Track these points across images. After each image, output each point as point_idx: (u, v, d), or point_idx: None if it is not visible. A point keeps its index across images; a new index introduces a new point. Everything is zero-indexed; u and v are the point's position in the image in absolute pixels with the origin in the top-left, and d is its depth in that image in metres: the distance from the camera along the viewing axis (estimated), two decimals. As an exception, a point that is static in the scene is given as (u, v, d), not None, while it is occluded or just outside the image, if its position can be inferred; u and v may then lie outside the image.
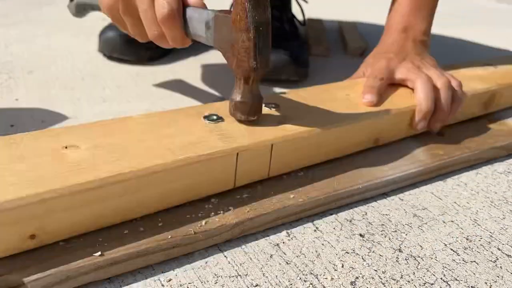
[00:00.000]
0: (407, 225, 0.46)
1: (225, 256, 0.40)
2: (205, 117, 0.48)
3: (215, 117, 0.48)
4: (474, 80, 0.68)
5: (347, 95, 0.58)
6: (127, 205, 0.38)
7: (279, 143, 0.46)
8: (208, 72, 0.84)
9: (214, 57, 0.92)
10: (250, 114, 0.47)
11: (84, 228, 0.37)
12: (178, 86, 0.77)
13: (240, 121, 0.47)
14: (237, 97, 0.46)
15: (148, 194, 0.39)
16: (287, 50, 0.79)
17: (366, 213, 0.47)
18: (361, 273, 0.39)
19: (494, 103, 0.69)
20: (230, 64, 0.45)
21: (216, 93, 0.74)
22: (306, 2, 0.99)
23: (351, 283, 0.38)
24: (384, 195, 0.50)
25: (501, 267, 0.41)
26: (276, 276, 0.38)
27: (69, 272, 0.34)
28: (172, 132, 0.45)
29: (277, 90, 0.76)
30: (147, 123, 0.46)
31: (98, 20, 1.15)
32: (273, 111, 0.51)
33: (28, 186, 0.34)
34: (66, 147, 0.40)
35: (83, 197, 0.36)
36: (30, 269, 0.33)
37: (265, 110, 0.51)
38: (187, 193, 0.42)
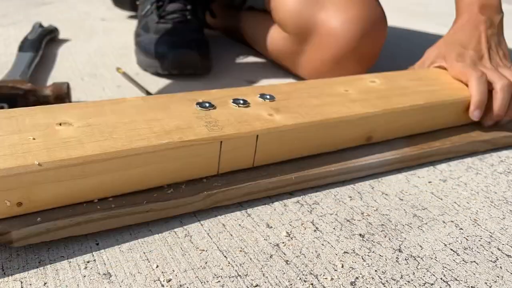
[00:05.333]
0: (407, 225, 0.46)
1: (224, 256, 0.40)
2: (197, 103, 0.49)
3: (207, 105, 0.49)
4: None
5: (345, 91, 0.58)
6: (110, 182, 0.40)
7: (265, 134, 0.47)
8: (209, 72, 0.84)
9: (215, 57, 0.92)
10: None
11: (69, 200, 0.39)
12: (178, 85, 0.77)
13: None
14: None
15: (130, 173, 0.41)
16: (192, 43, 0.79)
17: (366, 213, 0.47)
18: (361, 273, 0.39)
19: None
20: None
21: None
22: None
23: (351, 283, 0.38)
24: (384, 195, 0.51)
25: (501, 267, 0.41)
26: (276, 276, 0.38)
27: (48, 226, 0.37)
28: (162, 116, 0.46)
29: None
30: (140, 106, 0.48)
31: (98, 20, 1.16)
32: (267, 102, 0.52)
33: (18, 157, 0.37)
34: (60, 124, 0.42)
35: (67, 171, 0.38)
36: (15, 221, 0.37)
37: (259, 100, 0.52)
38: (169, 175, 0.44)
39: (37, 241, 0.37)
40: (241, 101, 0.51)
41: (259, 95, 0.53)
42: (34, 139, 0.40)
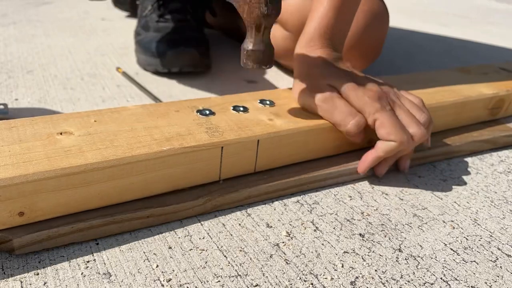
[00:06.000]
0: (407, 225, 0.46)
1: (224, 256, 0.40)
2: (198, 111, 0.49)
3: (207, 112, 0.49)
4: (482, 84, 0.68)
5: None
6: (111, 190, 0.40)
7: (265, 138, 0.47)
8: (209, 71, 0.84)
9: (215, 56, 0.92)
10: (263, 63, 0.46)
11: (71, 209, 0.39)
12: (177, 84, 0.77)
13: (252, 69, 0.47)
14: (249, 46, 0.46)
15: (132, 181, 0.41)
16: (191, 41, 0.79)
17: (366, 213, 0.47)
18: (361, 273, 0.39)
19: (502, 109, 0.68)
20: (241, 11, 0.45)
21: (215, 92, 0.74)
22: None
23: (351, 283, 0.38)
24: (384, 194, 0.50)
25: (501, 267, 0.41)
26: (276, 276, 0.38)
27: (50, 233, 0.37)
28: (163, 123, 0.46)
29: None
30: (140, 114, 0.48)
31: (98, 20, 1.16)
32: (267, 108, 0.52)
33: (19, 167, 0.37)
34: (60, 133, 0.42)
35: (69, 180, 0.38)
36: (16, 229, 0.37)
37: (259, 106, 0.52)
38: (171, 182, 0.44)
39: (39, 249, 0.38)
40: (241, 108, 0.51)
41: (259, 101, 0.53)
42: (35, 149, 0.40)
